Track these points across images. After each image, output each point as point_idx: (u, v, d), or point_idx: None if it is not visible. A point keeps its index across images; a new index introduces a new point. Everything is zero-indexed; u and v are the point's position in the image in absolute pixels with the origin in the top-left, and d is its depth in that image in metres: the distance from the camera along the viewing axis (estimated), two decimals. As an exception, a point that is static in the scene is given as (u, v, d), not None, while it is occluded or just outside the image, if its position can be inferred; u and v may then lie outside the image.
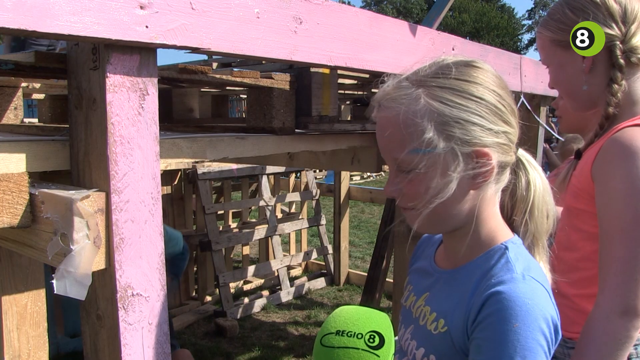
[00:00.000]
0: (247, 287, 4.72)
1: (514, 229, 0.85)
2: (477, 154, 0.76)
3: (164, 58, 10.23)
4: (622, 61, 1.12)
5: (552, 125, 4.69)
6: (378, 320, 0.79)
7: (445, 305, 0.82)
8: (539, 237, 0.85)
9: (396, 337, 0.92)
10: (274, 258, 4.61)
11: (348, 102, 2.67)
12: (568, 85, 1.22)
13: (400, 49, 1.41)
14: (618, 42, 1.12)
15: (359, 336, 0.76)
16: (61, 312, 3.48)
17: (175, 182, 4.15)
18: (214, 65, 2.17)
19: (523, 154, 0.86)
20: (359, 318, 0.78)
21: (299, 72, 1.56)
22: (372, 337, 0.76)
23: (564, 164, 1.32)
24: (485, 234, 0.81)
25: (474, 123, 0.75)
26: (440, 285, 0.87)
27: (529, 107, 2.33)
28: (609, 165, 1.07)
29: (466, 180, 0.77)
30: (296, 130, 1.57)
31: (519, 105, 2.24)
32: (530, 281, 0.74)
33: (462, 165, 0.76)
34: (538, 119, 2.46)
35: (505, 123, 0.79)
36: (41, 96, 1.99)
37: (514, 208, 0.85)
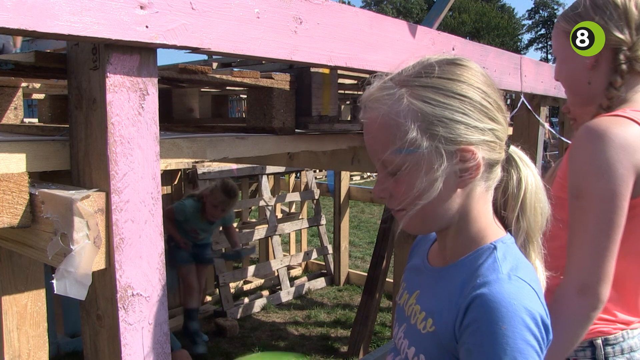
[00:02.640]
0: (247, 287, 4.71)
1: (506, 226, 0.85)
2: (462, 152, 0.76)
3: (164, 58, 10.23)
4: (624, 67, 1.13)
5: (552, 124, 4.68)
6: None
7: (433, 304, 0.82)
8: (533, 235, 0.84)
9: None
10: (274, 258, 4.61)
11: (348, 102, 2.67)
12: (570, 78, 1.24)
13: (400, 49, 1.41)
14: (625, 48, 1.13)
15: None
16: (61, 312, 3.48)
17: (175, 182, 4.15)
18: (214, 65, 2.17)
19: (515, 151, 0.85)
20: None
21: (299, 72, 1.56)
22: None
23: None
24: (475, 233, 0.81)
25: (457, 121, 0.75)
26: (429, 283, 0.87)
27: (529, 107, 2.32)
28: (576, 148, 1.10)
29: (452, 178, 0.77)
30: (296, 130, 1.57)
31: (519, 105, 2.24)
32: (516, 281, 0.73)
33: (447, 164, 0.76)
34: (538, 119, 2.46)
35: (492, 120, 0.78)
36: (41, 96, 1.99)
37: (506, 205, 0.85)
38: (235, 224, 4.67)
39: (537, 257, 0.85)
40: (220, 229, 4.00)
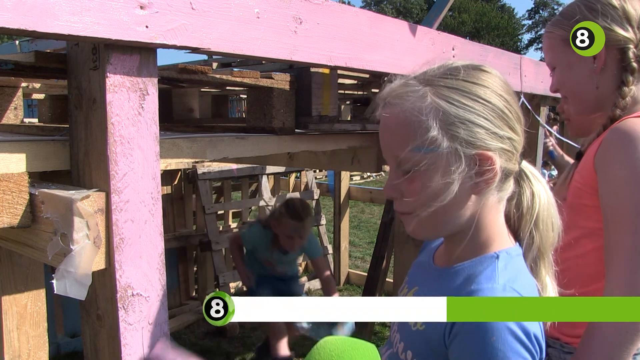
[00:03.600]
0: (247, 287, 4.71)
1: (519, 241, 0.84)
2: (480, 157, 0.75)
3: (164, 58, 10.20)
4: (635, 65, 1.13)
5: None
6: (364, 352, 0.74)
7: None
8: (544, 251, 0.83)
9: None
10: (274, 258, 4.61)
11: (348, 102, 2.67)
12: (576, 86, 1.21)
13: (400, 49, 1.41)
14: (632, 46, 1.13)
15: None
16: (61, 312, 3.48)
17: (175, 182, 4.15)
18: (214, 65, 2.17)
19: (527, 166, 0.85)
20: (344, 350, 0.74)
21: (299, 72, 1.56)
22: None
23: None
24: (483, 241, 0.80)
25: (479, 125, 0.74)
26: (429, 281, 0.87)
27: (529, 107, 2.32)
28: (610, 154, 1.07)
29: (468, 183, 0.76)
30: (296, 130, 1.57)
31: (519, 105, 2.24)
32: (510, 292, 0.72)
33: (465, 167, 0.74)
34: (538, 119, 2.46)
35: (511, 129, 0.78)
36: (41, 96, 1.99)
37: (521, 219, 0.84)
38: (235, 224, 4.66)
39: (547, 274, 0.84)
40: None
